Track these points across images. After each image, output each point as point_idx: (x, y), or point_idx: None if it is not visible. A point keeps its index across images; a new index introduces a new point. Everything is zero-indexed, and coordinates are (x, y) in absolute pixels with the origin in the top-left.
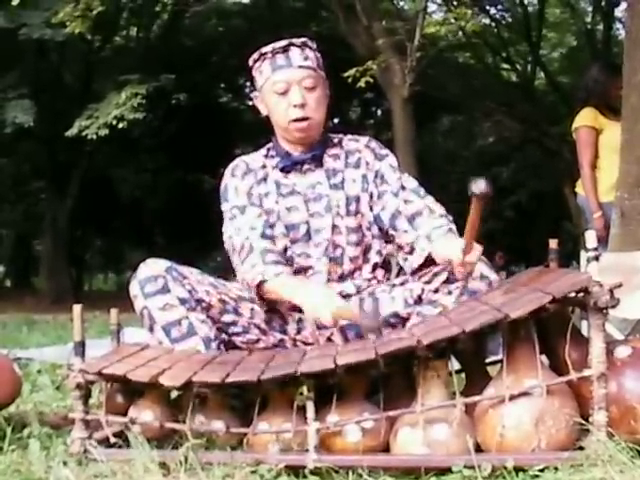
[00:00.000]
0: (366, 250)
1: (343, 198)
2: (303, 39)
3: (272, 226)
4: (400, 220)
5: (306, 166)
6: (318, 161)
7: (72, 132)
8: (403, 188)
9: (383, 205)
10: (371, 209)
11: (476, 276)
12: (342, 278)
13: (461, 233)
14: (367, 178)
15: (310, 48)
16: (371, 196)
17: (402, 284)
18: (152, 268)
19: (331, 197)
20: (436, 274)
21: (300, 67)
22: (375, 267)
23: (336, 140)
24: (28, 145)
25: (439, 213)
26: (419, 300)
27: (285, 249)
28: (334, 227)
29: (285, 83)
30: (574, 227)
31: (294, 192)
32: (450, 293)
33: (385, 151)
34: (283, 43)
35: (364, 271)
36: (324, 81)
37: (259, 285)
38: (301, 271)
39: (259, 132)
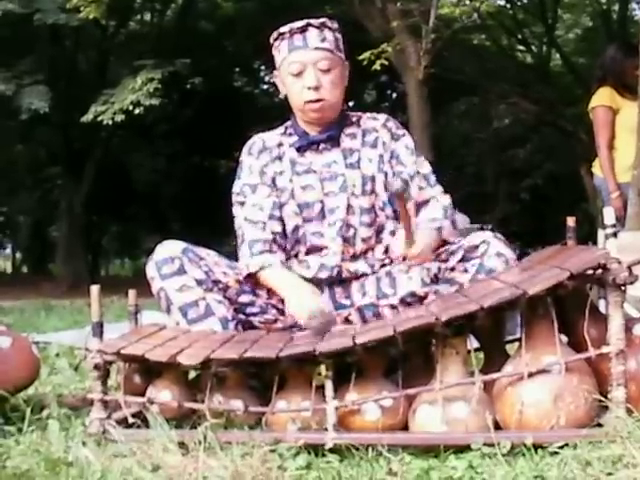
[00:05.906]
0: (379, 231)
1: (359, 177)
2: (322, 20)
3: (284, 204)
4: None
5: (322, 145)
6: (335, 140)
7: (88, 118)
8: (417, 173)
9: None
10: (385, 189)
11: (492, 253)
12: (355, 257)
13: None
14: (383, 158)
15: (329, 29)
16: (386, 176)
17: (419, 263)
18: (168, 249)
19: (347, 176)
20: (452, 253)
21: (316, 49)
22: (388, 248)
23: (354, 118)
24: (44, 131)
25: (442, 205)
26: (436, 279)
27: (296, 228)
28: (348, 207)
29: (300, 64)
30: (590, 208)
31: (310, 171)
32: (466, 271)
33: (402, 131)
34: (301, 23)
35: (376, 252)
36: (342, 62)
37: (247, 276)
38: (314, 250)
39: (274, 116)
